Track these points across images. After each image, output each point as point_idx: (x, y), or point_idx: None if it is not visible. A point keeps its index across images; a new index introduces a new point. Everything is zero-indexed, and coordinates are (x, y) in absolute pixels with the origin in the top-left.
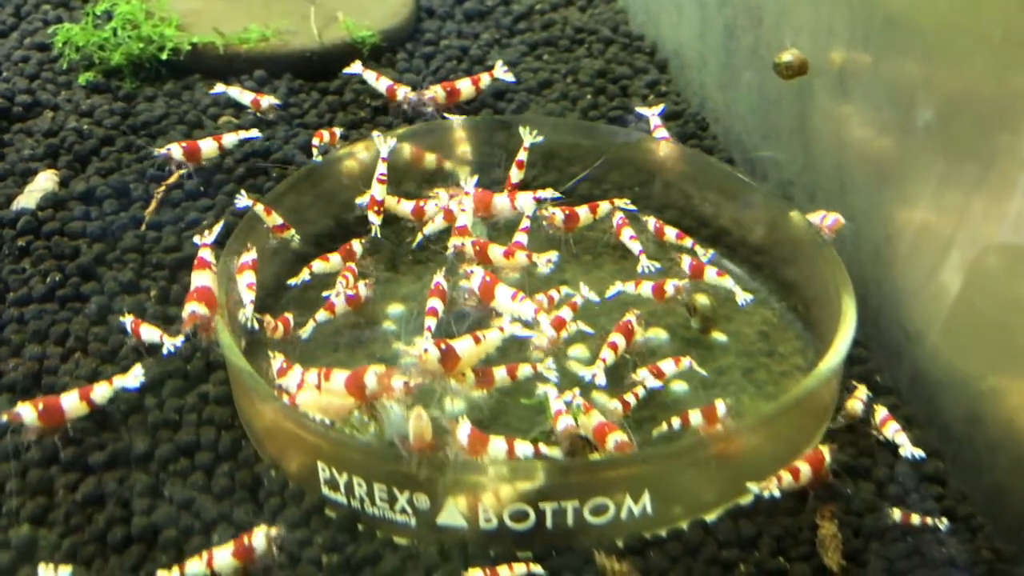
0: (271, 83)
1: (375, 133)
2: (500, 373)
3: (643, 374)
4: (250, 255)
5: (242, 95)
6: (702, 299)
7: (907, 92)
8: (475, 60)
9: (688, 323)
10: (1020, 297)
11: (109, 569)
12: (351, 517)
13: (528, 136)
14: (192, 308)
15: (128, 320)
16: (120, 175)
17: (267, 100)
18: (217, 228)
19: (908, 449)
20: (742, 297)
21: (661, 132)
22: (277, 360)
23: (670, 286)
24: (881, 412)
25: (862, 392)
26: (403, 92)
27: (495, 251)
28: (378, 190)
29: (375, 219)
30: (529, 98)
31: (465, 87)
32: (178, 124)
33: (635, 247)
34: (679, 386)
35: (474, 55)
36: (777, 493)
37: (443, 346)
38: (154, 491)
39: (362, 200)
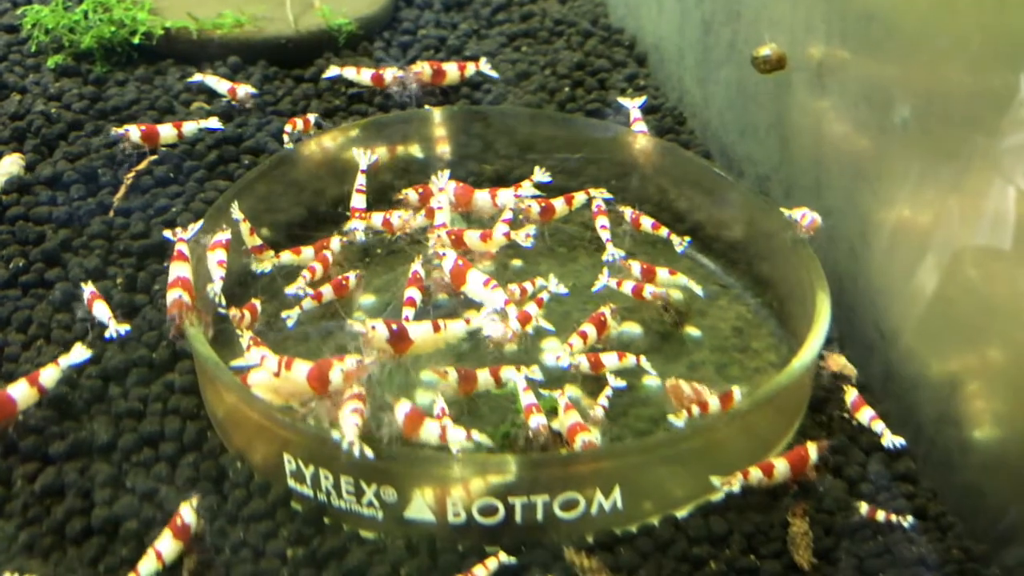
0: (245, 70)
1: (355, 150)
2: (483, 376)
3: (580, 359)
4: (224, 235)
5: (219, 84)
6: (675, 293)
7: (885, 89)
8: (453, 50)
9: (663, 317)
10: (994, 298)
11: (67, 561)
12: (317, 510)
13: (540, 175)
14: (178, 294)
15: (88, 290)
16: (88, 160)
17: (243, 89)
18: (196, 226)
19: (888, 439)
20: (699, 290)
21: (640, 125)
22: (246, 337)
23: (648, 291)
24: (852, 394)
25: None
26: (391, 73)
27: (471, 236)
28: (358, 200)
29: (361, 224)
30: (507, 89)
31: (451, 70)
32: (149, 110)
33: (604, 235)
34: (652, 381)
35: (452, 45)
36: (737, 488)
37: (394, 326)
38: (116, 482)
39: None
